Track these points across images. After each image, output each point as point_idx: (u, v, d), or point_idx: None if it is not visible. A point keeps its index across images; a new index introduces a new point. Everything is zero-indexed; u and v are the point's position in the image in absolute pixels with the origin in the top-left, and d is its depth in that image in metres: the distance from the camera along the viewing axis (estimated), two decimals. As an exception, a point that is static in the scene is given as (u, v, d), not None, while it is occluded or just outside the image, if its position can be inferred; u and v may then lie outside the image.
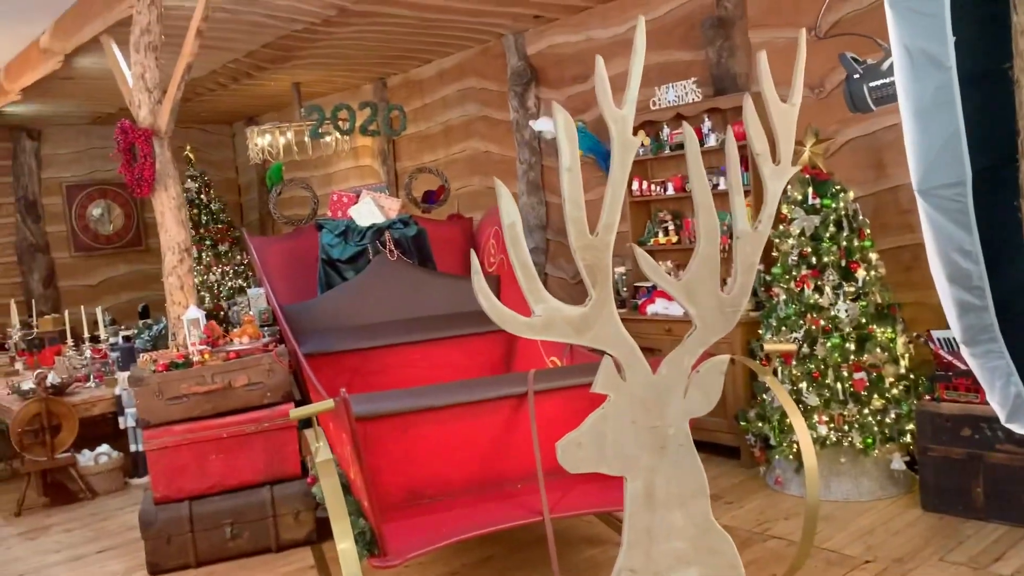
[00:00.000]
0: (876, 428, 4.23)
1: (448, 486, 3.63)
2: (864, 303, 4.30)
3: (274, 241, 5.67)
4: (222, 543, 4.30)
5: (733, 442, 5.05)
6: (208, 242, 9.55)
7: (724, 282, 1.81)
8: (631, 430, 1.69)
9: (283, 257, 5.51)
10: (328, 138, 6.93)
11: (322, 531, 4.38)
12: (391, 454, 3.52)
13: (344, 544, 2.60)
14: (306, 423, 3.67)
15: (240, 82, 8.25)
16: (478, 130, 7.72)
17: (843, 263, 4.36)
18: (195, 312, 4.51)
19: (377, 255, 5.44)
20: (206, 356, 4.31)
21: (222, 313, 7.65)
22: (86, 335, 6.73)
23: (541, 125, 6.27)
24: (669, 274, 2.42)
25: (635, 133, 6.02)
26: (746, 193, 5.17)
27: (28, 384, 5.73)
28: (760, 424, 4.61)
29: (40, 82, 6.83)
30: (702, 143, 5.36)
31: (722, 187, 4.94)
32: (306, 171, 9.55)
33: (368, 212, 5.57)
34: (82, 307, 7.14)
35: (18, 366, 6.81)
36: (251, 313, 4.81)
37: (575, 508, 3.40)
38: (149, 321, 7.36)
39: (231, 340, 4.55)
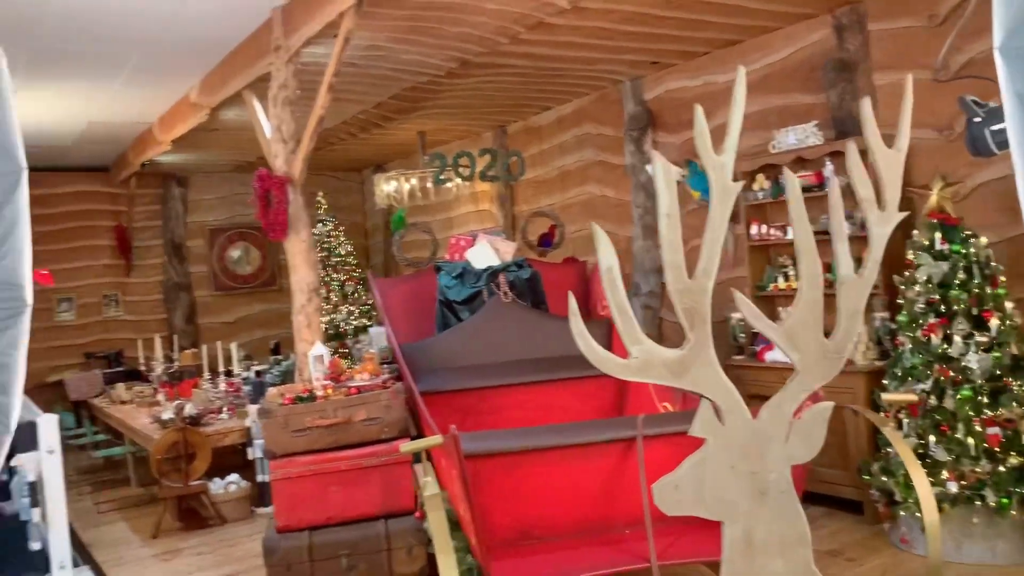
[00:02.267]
0: (1014, 487, 3.97)
1: (556, 527, 3.65)
2: (998, 354, 4.06)
3: (396, 282, 5.90)
4: (338, 573, 4.45)
5: (856, 496, 4.84)
6: (336, 283, 10.00)
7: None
8: (730, 475, 1.69)
9: (403, 297, 5.73)
10: (450, 184, 7.19)
11: (433, 567, 4.43)
12: (499, 493, 3.58)
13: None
14: (418, 458, 3.79)
15: (369, 131, 8.68)
16: (594, 175, 7.81)
17: (974, 311, 4.15)
18: (320, 349, 4.74)
19: (492, 297, 5.56)
20: (329, 391, 4.52)
21: (347, 350, 7.96)
22: (221, 369, 7.16)
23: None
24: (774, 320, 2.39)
25: (753, 177, 5.97)
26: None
27: (168, 414, 6.14)
28: (884, 478, 4.40)
29: (189, 133, 7.41)
30: (822, 187, 5.25)
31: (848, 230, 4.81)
32: (428, 215, 9.89)
33: (484, 255, 5.72)
34: (219, 343, 7.61)
35: (160, 397, 7.30)
36: (372, 351, 5.01)
37: (684, 556, 3.35)
38: (280, 357, 7.77)
39: (353, 376, 4.75)
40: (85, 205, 10.06)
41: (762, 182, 5.76)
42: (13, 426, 2.28)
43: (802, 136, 5.47)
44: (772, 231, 5.75)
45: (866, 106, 1.90)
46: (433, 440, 3.09)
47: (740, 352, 5.77)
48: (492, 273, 5.67)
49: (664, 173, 1.63)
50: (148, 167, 9.32)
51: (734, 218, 6.80)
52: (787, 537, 1.71)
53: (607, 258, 1.70)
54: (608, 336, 5.13)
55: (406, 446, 3.06)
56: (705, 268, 1.66)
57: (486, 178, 6.41)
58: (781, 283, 5.68)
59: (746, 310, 1.73)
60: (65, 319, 9.96)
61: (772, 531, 1.71)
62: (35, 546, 5.09)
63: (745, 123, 1.76)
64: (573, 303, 1.69)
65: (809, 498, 5.05)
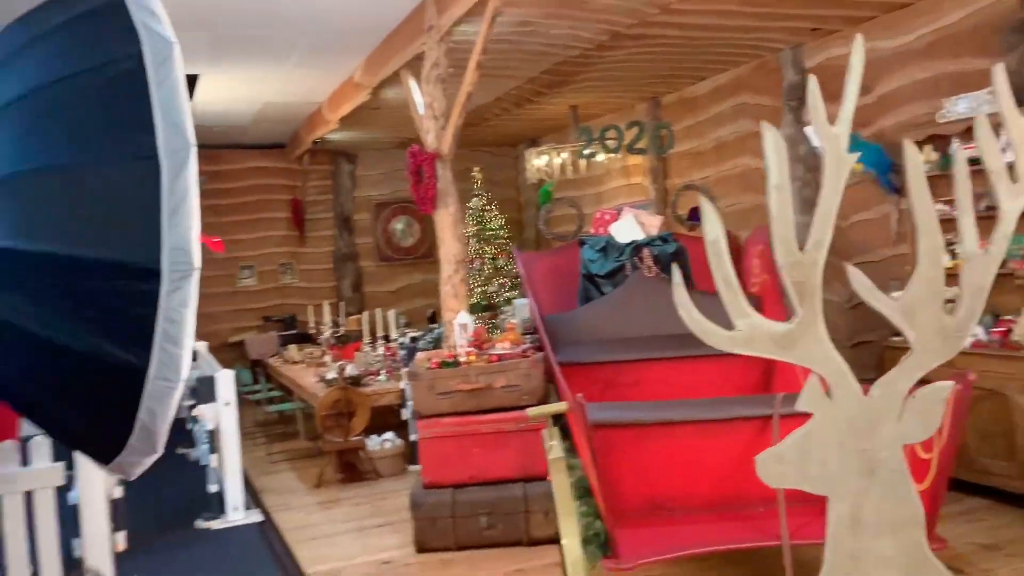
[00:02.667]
0: None
1: (687, 500, 3.66)
2: None
3: (539, 256, 6.02)
4: (478, 531, 4.67)
5: (1022, 490, 4.52)
6: (488, 256, 10.26)
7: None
8: (837, 451, 1.66)
9: (547, 271, 5.83)
10: (601, 157, 7.21)
11: (569, 532, 4.58)
12: (630, 463, 3.63)
13: (568, 539, 2.77)
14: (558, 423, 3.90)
15: (522, 107, 8.83)
16: (750, 146, 7.58)
17: None
18: (465, 317, 4.95)
19: (635, 271, 5.57)
20: (472, 358, 4.72)
21: (495, 322, 8.20)
22: (381, 335, 7.58)
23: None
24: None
25: (920, 148, 5.61)
26: None
27: (332, 374, 6.59)
28: (1053, 473, 4.08)
29: (354, 112, 7.83)
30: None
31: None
32: (579, 190, 9.94)
33: (628, 229, 5.73)
34: (379, 310, 8.05)
35: (326, 358, 7.83)
36: (514, 321, 5.16)
37: (816, 537, 3.28)
38: (433, 325, 8.12)
39: (495, 345, 4.92)
40: (264, 180, 10.85)
41: (929, 153, 5.41)
42: (184, 375, 2.55)
43: (974, 104, 5.09)
44: (939, 206, 5.39)
45: (999, 73, 1.79)
46: (558, 406, 3.19)
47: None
48: (636, 247, 5.66)
49: (775, 145, 1.62)
50: (319, 144, 9.93)
51: (899, 191, 6.42)
52: (898, 517, 1.67)
53: (713, 230, 1.72)
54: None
55: (532, 410, 3.17)
56: (817, 241, 1.64)
57: (633, 151, 6.39)
58: (947, 261, 5.33)
59: (859, 284, 1.69)
60: (247, 285, 10.83)
61: (882, 510, 1.67)
62: (212, 488, 5.65)
63: (911, 91, 1.70)
64: (677, 275, 1.72)
65: (970, 489, 4.76)
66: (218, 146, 9.67)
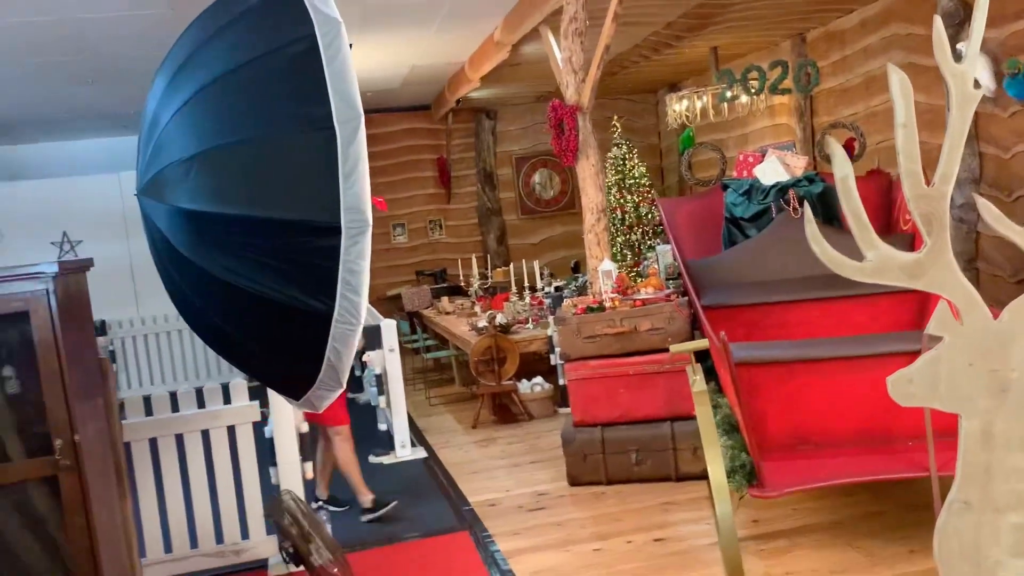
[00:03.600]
0: None
1: (834, 435, 3.74)
2: None
3: (682, 202, 6.09)
4: (628, 466, 4.90)
5: None
6: (631, 204, 10.34)
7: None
8: (967, 372, 1.75)
9: (690, 217, 5.90)
10: (744, 98, 7.13)
11: (716, 468, 4.75)
12: (775, 399, 3.74)
13: (713, 465, 2.95)
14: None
15: (661, 52, 8.77)
16: (902, 80, 7.24)
17: None
18: (608, 265, 5.13)
19: (780, 213, 5.55)
20: (616, 303, 4.91)
21: (636, 270, 8.33)
22: (526, 285, 7.89)
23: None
24: None
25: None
26: None
27: (482, 323, 6.96)
28: None
29: (494, 70, 8.07)
30: None
31: None
32: (723, 132, 9.81)
33: (772, 171, 5.70)
34: (524, 262, 8.35)
35: (476, 309, 8.23)
36: (656, 267, 5.30)
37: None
38: (577, 275, 8.35)
39: (638, 290, 5.09)
40: (411, 141, 11.33)
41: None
42: (361, 319, 2.89)
43: None
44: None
45: None
46: (699, 343, 3.34)
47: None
48: (781, 189, 5.63)
49: (900, 86, 1.70)
50: (462, 103, 10.25)
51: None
52: (1031, 434, 1.75)
53: (841, 168, 1.82)
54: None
55: (674, 347, 3.34)
56: (943, 174, 1.71)
57: (777, 91, 6.30)
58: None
59: (987, 213, 1.75)
60: (399, 242, 11.42)
61: (1013, 427, 1.75)
62: (382, 427, 6.17)
63: None
64: (808, 211, 1.84)
65: None
66: (370, 111, 10.16)
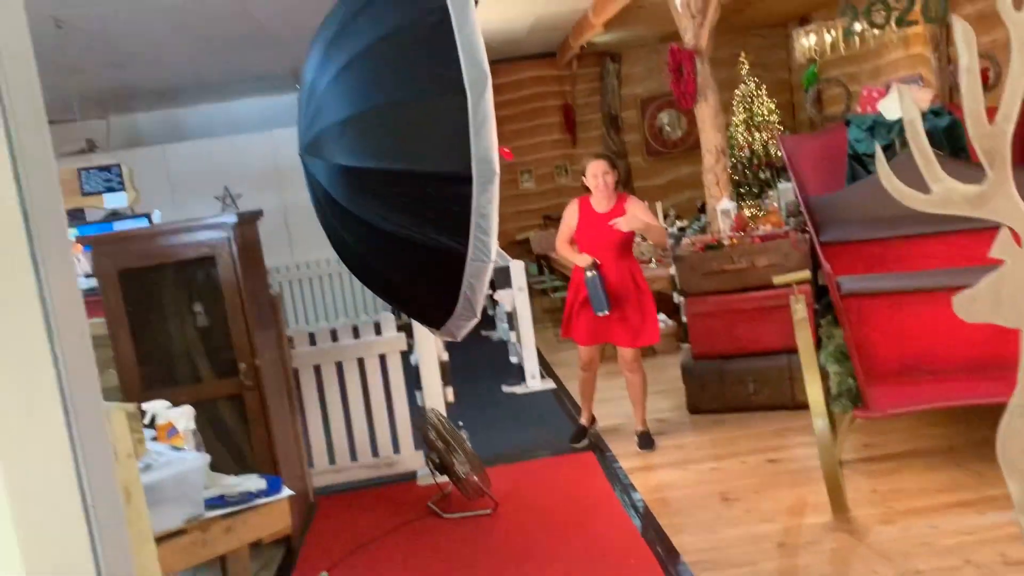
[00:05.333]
0: None
1: (941, 363, 3.88)
2: None
3: (804, 139, 6.15)
4: (745, 396, 5.17)
5: None
6: (759, 143, 10.28)
7: None
8: (1027, 291, 1.95)
9: (811, 154, 5.95)
10: (867, 30, 7.00)
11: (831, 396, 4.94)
12: (883, 329, 3.91)
13: (811, 387, 3.21)
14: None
15: (787, -14, 8.64)
16: (1047, 1, 6.91)
17: None
18: (727, 204, 5.33)
19: (904, 148, 5.54)
20: (734, 240, 5.12)
21: (758, 207, 8.38)
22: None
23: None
24: None
25: None
26: None
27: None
28: None
29: (618, 14, 8.21)
30: None
31: None
32: (854, 66, 9.56)
33: (897, 105, 5.67)
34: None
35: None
36: (775, 204, 5.44)
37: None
38: (702, 215, 8.50)
39: (756, 228, 5.27)
40: (537, 89, 11.62)
41: None
42: (492, 257, 3.30)
43: None
44: None
45: None
46: (801, 274, 3.56)
47: None
48: (905, 123, 5.60)
49: (964, 34, 1.88)
50: (586, 49, 10.43)
51: None
52: (1089, 347, 1.93)
53: (909, 111, 2.03)
54: None
55: (778, 278, 3.57)
56: (1005, 114, 1.89)
57: (902, 24, 6.19)
58: None
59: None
60: (527, 188, 11.82)
61: (1073, 341, 1.94)
62: (513, 360, 6.66)
63: None
64: (879, 151, 2.06)
65: None
66: (496, 61, 10.51)
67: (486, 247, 3.27)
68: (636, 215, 4.67)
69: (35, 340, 1.05)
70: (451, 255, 3.32)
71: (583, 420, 5.20)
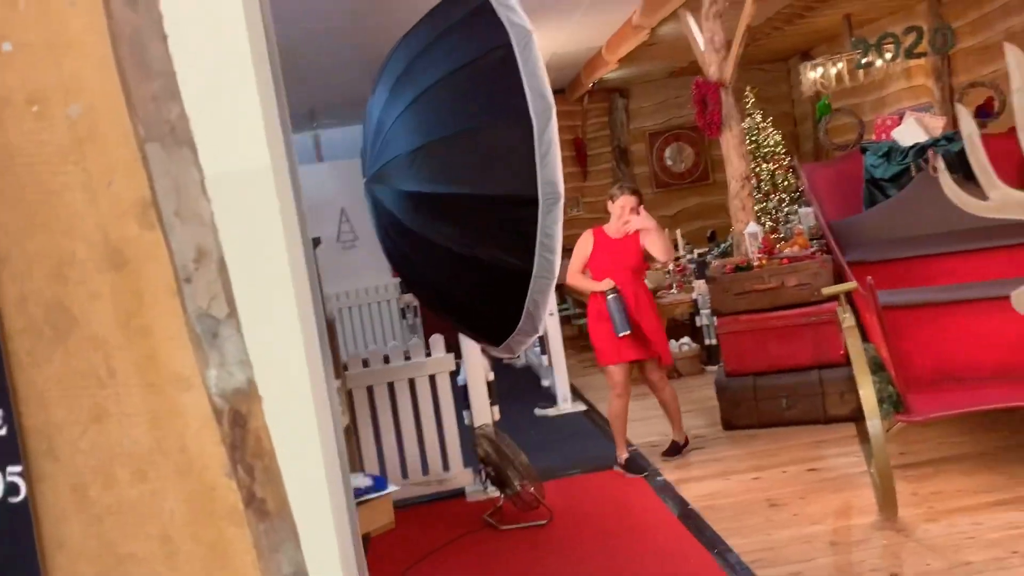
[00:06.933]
0: None
1: (976, 370, 4.10)
2: None
3: (822, 166, 6.42)
4: (779, 411, 5.37)
5: None
6: (766, 173, 10.59)
7: None
8: (1079, 286, 2.17)
9: (830, 179, 6.23)
10: (879, 63, 7.33)
11: (863, 410, 5.14)
12: (919, 339, 4.14)
13: (864, 390, 3.42)
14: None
15: (793, 23, 9.00)
16: (1045, 33, 7.25)
17: None
18: (754, 227, 5.58)
19: (920, 172, 5.81)
20: (763, 261, 5.36)
21: (778, 232, 8.65)
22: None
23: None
24: None
25: None
26: None
27: (631, 289, 7.50)
28: None
29: (630, 51, 8.54)
30: None
31: None
32: (859, 97, 9.90)
33: (911, 132, 5.95)
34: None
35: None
36: (800, 227, 5.70)
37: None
38: (712, 244, 8.76)
39: (783, 250, 5.52)
40: (549, 123, 11.94)
41: None
42: (555, 275, 3.51)
43: None
44: None
45: None
46: (848, 285, 3.79)
47: None
48: (920, 149, 5.88)
49: (1016, 59, 2.13)
50: (597, 85, 10.77)
51: None
52: None
53: (967, 126, 2.27)
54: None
55: (826, 289, 3.79)
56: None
57: (912, 56, 6.50)
58: None
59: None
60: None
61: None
62: (545, 383, 6.84)
63: None
64: (940, 162, 2.30)
65: None
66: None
67: (551, 265, 3.49)
68: (647, 215, 4.96)
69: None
70: (516, 273, 3.54)
71: (622, 453, 5.13)
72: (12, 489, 1.22)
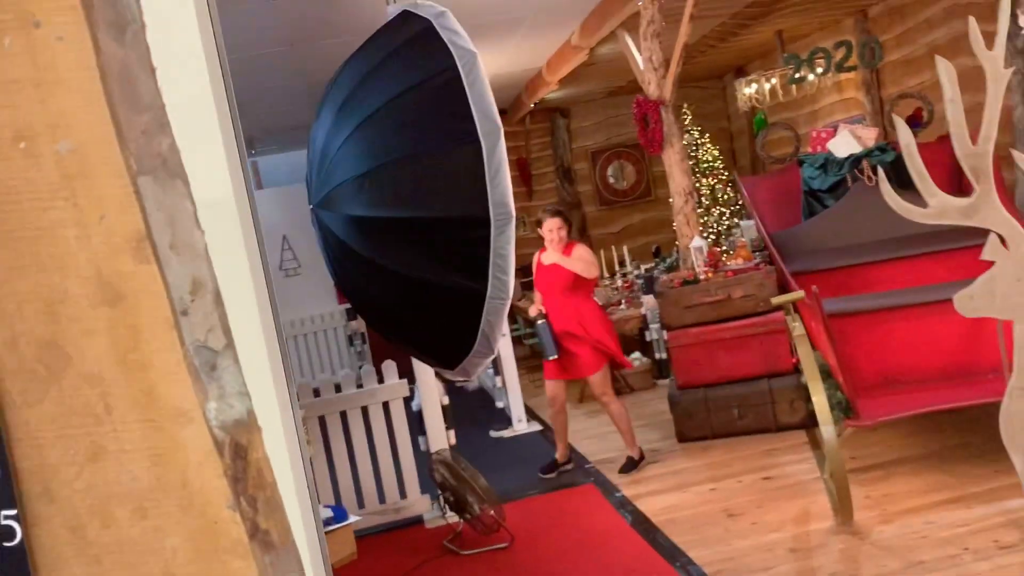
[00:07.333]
0: None
1: (919, 373, 4.22)
2: None
3: (761, 179, 6.58)
4: (731, 422, 5.43)
5: None
6: (706, 188, 10.79)
7: None
8: (1016, 285, 2.25)
9: (770, 192, 6.39)
10: (812, 77, 7.54)
11: (813, 417, 5.24)
12: (864, 345, 4.25)
13: (817, 396, 3.48)
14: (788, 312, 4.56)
15: (727, 40, 9.22)
16: (965, 47, 7.53)
17: None
18: (699, 241, 5.66)
19: (856, 182, 5.98)
20: (709, 275, 5.44)
21: (721, 248, 8.80)
22: (617, 270, 8.45)
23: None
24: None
25: None
26: None
27: (581, 306, 7.54)
28: None
29: (571, 72, 8.64)
30: None
31: None
32: (793, 111, 10.17)
33: (845, 144, 6.13)
34: (602, 251, 8.92)
35: (571, 295, 8.82)
36: (743, 240, 5.81)
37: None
38: (664, 256, 8.88)
39: (728, 263, 5.61)
40: (491, 144, 12.00)
41: None
42: (510, 295, 3.51)
43: None
44: None
45: None
46: (796, 294, 3.87)
47: None
48: (855, 160, 6.06)
49: (946, 71, 2.21)
50: (538, 105, 10.87)
51: None
52: (1072, 332, 2.24)
53: (905, 137, 2.35)
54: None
55: (775, 299, 3.87)
56: (985, 136, 2.22)
57: (842, 70, 6.71)
58: None
59: (1021, 162, 2.24)
60: (486, 241, 12.10)
61: (1057, 327, 2.25)
62: (500, 405, 6.81)
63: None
64: (882, 174, 2.37)
65: None
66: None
67: (505, 286, 3.48)
68: (558, 252, 5.19)
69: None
70: (470, 295, 3.53)
71: (558, 455, 5.51)
72: (7, 533, 1.18)
